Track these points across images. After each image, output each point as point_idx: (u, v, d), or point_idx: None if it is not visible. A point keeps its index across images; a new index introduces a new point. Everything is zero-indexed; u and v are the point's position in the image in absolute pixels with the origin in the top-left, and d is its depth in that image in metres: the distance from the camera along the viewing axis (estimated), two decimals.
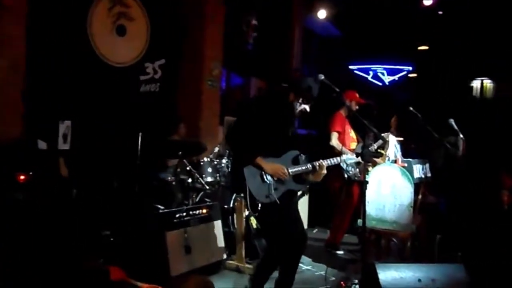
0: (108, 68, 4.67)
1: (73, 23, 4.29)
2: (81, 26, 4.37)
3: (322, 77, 2.97)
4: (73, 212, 3.51)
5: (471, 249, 3.59)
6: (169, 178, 4.42)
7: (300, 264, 3.85)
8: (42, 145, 3.50)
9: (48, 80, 4.02)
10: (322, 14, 7.44)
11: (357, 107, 4.69)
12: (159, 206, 4.01)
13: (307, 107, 2.94)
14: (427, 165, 4.27)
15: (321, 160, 2.91)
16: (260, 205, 2.76)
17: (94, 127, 4.41)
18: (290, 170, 2.85)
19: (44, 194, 3.26)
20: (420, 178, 4.04)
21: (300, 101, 2.91)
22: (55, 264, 3.12)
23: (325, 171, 2.91)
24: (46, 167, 3.43)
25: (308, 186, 3.31)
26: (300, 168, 2.90)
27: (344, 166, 4.54)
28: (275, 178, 2.81)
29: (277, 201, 2.77)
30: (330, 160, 2.95)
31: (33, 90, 3.72)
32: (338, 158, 3.01)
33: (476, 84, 10.16)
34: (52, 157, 3.57)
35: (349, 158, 3.11)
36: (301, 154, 2.96)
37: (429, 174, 4.27)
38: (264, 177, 2.79)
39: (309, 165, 2.91)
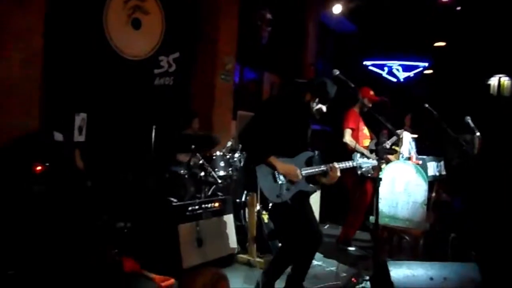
0: (123, 61, 4.72)
1: (89, 16, 4.34)
2: (97, 19, 4.42)
3: (337, 72, 2.94)
4: (88, 204, 3.56)
5: (485, 248, 3.55)
6: (182, 171, 4.46)
7: None
8: (58, 137, 3.56)
9: (64, 73, 4.08)
10: (337, 9, 7.37)
11: (370, 104, 4.65)
12: (172, 199, 4.04)
13: (323, 107, 2.90)
14: (442, 162, 4.22)
15: (334, 163, 2.87)
16: (271, 204, 2.76)
17: (109, 119, 4.46)
18: (303, 171, 2.83)
19: (60, 185, 3.31)
20: (434, 176, 4.00)
21: (316, 101, 2.88)
22: (70, 255, 3.18)
23: (338, 174, 2.86)
24: (62, 158, 3.48)
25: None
26: (313, 170, 2.87)
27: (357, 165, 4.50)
28: (287, 179, 2.79)
29: (288, 201, 2.76)
30: (344, 164, 2.90)
31: (50, 82, 3.78)
32: (353, 162, 2.96)
33: (493, 81, 9.97)
34: (68, 148, 3.63)
35: (364, 162, 3.02)
36: (315, 155, 2.93)
37: (444, 172, 4.22)
38: (276, 176, 2.77)
39: (322, 167, 2.87)
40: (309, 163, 2.90)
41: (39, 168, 3.22)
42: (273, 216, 2.90)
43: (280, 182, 2.77)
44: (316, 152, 2.96)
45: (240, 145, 4.71)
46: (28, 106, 3.51)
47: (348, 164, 2.92)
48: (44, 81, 3.63)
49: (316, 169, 2.87)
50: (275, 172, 2.77)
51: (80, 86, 4.22)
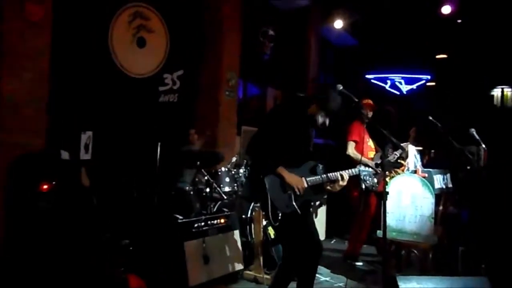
0: (128, 80, 4.77)
1: (95, 36, 4.40)
2: (102, 39, 4.48)
3: (340, 87, 2.96)
4: (94, 221, 3.56)
5: (495, 261, 3.50)
6: (187, 187, 4.46)
7: (318, 275, 3.83)
8: (64, 155, 3.58)
9: (70, 92, 4.12)
10: (338, 24, 7.45)
11: (370, 114, 4.65)
12: (178, 216, 4.03)
13: (327, 121, 2.91)
14: (448, 175, 4.20)
15: (341, 171, 2.88)
16: (280, 214, 2.76)
17: (115, 137, 4.49)
18: (308, 179, 2.84)
19: (66, 203, 3.32)
20: (441, 189, 3.97)
21: (322, 114, 2.88)
22: (76, 272, 3.16)
23: (343, 183, 2.87)
24: (69, 176, 3.49)
25: (325, 196, 3.27)
26: (317, 178, 2.88)
27: (361, 176, 4.49)
28: (292, 189, 2.79)
29: (298, 210, 2.76)
30: (347, 172, 2.91)
31: (57, 102, 3.82)
32: (356, 170, 2.97)
33: (496, 92, 9.98)
34: (74, 166, 3.64)
35: (363, 171, 3.01)
36: (319, 165, 2.95)
37: (450, 185, 4.19)
38: (285, 187, 2.79)
39: (330, 175, 2.88)
40: (313, 172, 2.90)
41: (45, 186, 3.24)
42: (280, 227, 2.86)
43: (289, 192, 2.78)
44: (321, 166, 2.96)
45: (248, 156, 4.70)
46: (36, 124, 3.54)
47: (351, 172, 2.92)
48: (51, 100, 3.67)
49: (320, 178, 2.87)
50: (282, 182, 2.78)
51: (86, 105, 4.26)
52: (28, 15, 3.40)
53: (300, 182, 2.79)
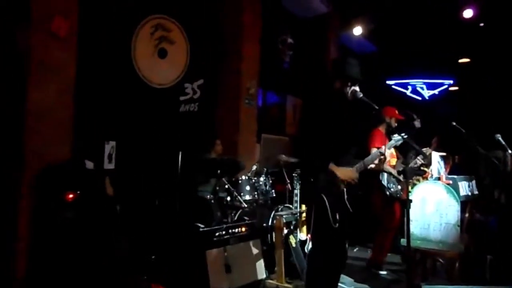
0: (150, 90, 4.85)
1: (118, 48, 4.51)
2: (125, 50, 4.59)
3: (361, 95, 2.94)
4: (118, 230, 3.61)
5: None
6: (208, 196, 4.48)
7: (341, 284, 3.77)
8: (89, 165, 3.65)
9: (95, 103, 4.22)
10: (357, 30, 7.42)
11: (396, 124, 4.61)
12: (199, 224, 4.05)
13: (356, 88, 2.87)
14: (474, 182, 4.10)
15: (380, 149, 2.90)
16: (338, 215, 2.70)
17: (137, 147, 4.56)
18: (356, 170, 2.82)
19: (91, 212, 3.38)
20: (467, 196, 3.87)
21: (348, 84, 2.84)
22: (100, 281, 3.21)
23: (384, 157, 2.85)
24: (93, 186, 3.56)
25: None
26: (361, 164, 2.84)
27: (385, 183, 4.45)
28: (345, 183, 2.76)
29: (350, 209, 2.74)
30: (386, 146, 2.92)
31: (81, 112, 3.91)
32: (395, 139, 2.99)
33: None
34: (98, 176, 3.71)
35: (398, 139, 3.03)
36: (357, 149, 2.92)
37: (476, 192, 4.09)
38: (338, 184, 2.75)
39: (373, 156, 2.87)
40: (356, 158, 2.88)
41: (71, 196, 3.31)
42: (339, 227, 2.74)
43: (342, 188, 2.74)
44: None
45: (265, 167, 4.70)
46: (61, 135, 3.62)
47: (389, 144, 2.96)
48: (76, 111, 3.76)
49: (364, 164, 2.83)
50: (335, 179, 2.73)
51: (109, 115, 4.35)
52: (55, 29, 3.51)
53: (353, 174, 2.74)
